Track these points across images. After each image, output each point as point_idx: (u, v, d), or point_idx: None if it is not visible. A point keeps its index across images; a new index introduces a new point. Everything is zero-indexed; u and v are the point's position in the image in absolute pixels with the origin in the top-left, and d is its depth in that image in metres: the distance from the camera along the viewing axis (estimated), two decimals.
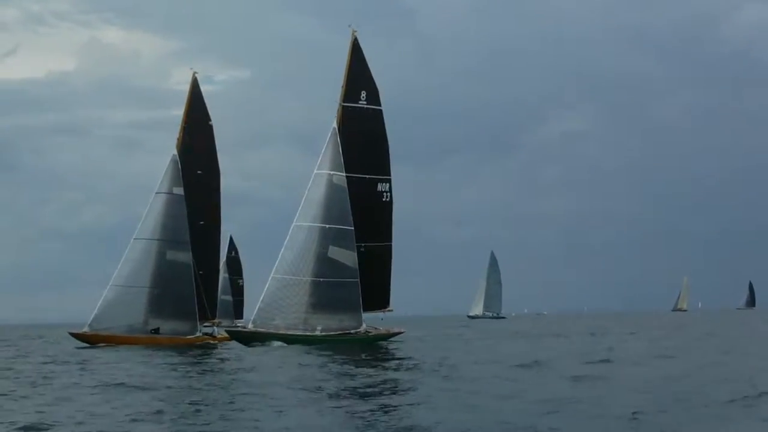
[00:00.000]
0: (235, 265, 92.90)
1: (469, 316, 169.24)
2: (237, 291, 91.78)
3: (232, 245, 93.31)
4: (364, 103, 58.31)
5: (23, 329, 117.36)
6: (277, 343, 52.69)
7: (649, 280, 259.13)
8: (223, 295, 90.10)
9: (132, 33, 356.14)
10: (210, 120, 60.63)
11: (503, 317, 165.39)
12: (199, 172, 59.37)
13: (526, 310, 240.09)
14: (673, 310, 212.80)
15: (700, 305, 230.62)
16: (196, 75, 60.74)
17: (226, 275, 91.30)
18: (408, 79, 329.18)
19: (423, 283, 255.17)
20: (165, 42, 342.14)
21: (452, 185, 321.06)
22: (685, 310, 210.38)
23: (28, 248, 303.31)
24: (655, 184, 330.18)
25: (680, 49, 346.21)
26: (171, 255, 57.72)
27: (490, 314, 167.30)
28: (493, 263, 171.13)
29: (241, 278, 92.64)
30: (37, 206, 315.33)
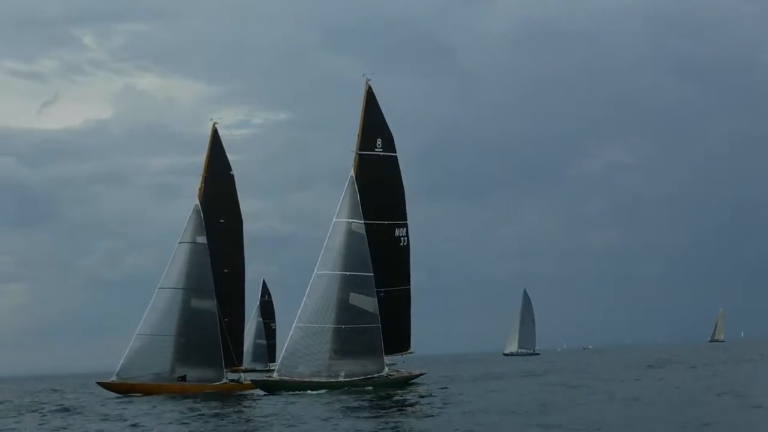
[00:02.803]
0: (268, 309, 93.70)
1: (504, 354, 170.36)
2: (270, 335, 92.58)
3: (265, 289, 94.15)
4: (380, 150, 59.36)
5: (54, 380, 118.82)
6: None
7: (688, 311, 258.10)
8: (258, 339, 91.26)
9: (168, 79, 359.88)
10: (231, 170, 61.75)
11: (537, 354, 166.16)
12: (221, 220, 60.52)
13: (564, 345, 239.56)
14: (710, 341, 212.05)
15: (742, 335, 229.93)
16: (216, 124, 61.98)
17: (260, 319, 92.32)
18: (449, 115, 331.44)
19: (463, 320, 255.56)
20: (202, 87, 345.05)
21: (493, 221, 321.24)
22: (722, 341, 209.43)
23: (70, 297, 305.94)
24: (697, 214, 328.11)
25: (724, 77, 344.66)
26: (195, 303, 58.73)
27: (525, 351, 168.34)
28: (526, 301, 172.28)
29: (274, 322, 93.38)
30: (79, 255, 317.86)
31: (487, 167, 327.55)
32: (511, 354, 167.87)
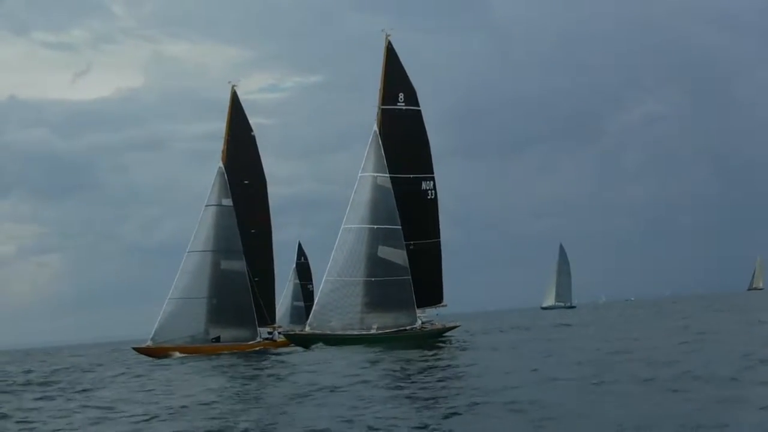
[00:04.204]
0: (304, 271, 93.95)
1: (542, 308, 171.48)
2: (307, 296, 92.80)
3: (301, 251, 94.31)
4: (403, 104, 59.44)
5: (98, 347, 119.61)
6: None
7: (726, 261, 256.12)
8: (295, 301, 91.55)
9: (197, 45, 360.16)
10: (252, 131, 62.13)
11: (574, 307, 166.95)
12: (245, 181, 60.86)
13: (604, 298, 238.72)
14: (748, 290, 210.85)
15: None
16: (235, 88, 62.40)
17: (297, 281, 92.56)
18: (483, 72, 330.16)
19: (501, 276, 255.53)
20: (232, 52, 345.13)
21: (530, 176, 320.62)
22: (761, 289, 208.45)
23: (109, 265, 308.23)
24: (734, 163, 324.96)
25: (760, 26, 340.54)
26: (225, 264, 59.11)
27: (562, 305, 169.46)
28: (563, 255, 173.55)
29: (311, 283, 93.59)
30: (116, 223, 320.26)
31: (522, 122, 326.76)
32: (550, 307, 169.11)
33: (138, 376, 40.09)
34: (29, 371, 51.49)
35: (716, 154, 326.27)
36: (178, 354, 56.18)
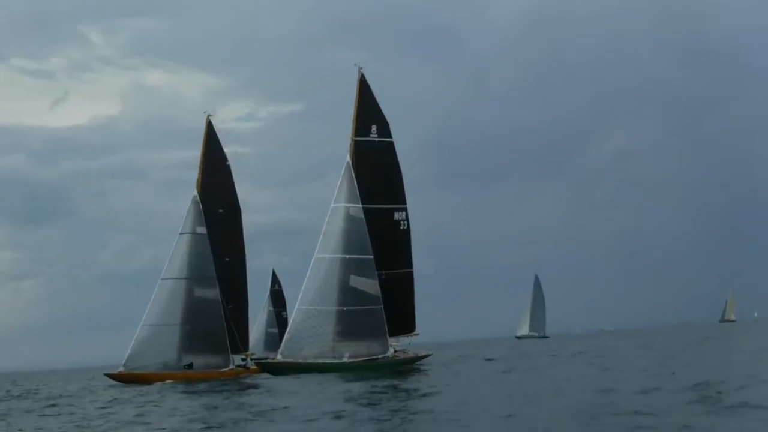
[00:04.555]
0: (278, 298, 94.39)
1: (516, 337, 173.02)
2: (282, 323, 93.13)
3: (275, 279, 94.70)
4: (375, 136, 60.18)
5: (67, 373, 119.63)
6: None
7: (699, 293, 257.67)
8: (270, 328, 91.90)
9: (175, 74, 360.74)
10: (227, 160, 62.84)
11: (547, 337, 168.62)
12: (220, 210, 61.50)
13: (578, 330, 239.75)
14: (720, 321, 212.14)
15: (756, 314, 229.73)
16: (210, 117, 63.23)
17: (271, 308, 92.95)
18: (458, 105, 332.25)
19: (475, 306, 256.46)
20: (209, 80, 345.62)
21: (503, 208, 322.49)
22: (733, 320, 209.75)
23: (85, 292, 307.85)
24: (706, 196, 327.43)
25: (729, 62, 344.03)
26: (199, 292, 59.59)
27: (536, 334, 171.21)
28: (537, 285, 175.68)
29: (285, 310, 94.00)
30: (93, 250, 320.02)
31: (496, 155, 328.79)
32: (523, 337, 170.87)
33: (135, 400, 40.58)
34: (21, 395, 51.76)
35: (687, 186, 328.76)
36: (169, 381, 56.48)
